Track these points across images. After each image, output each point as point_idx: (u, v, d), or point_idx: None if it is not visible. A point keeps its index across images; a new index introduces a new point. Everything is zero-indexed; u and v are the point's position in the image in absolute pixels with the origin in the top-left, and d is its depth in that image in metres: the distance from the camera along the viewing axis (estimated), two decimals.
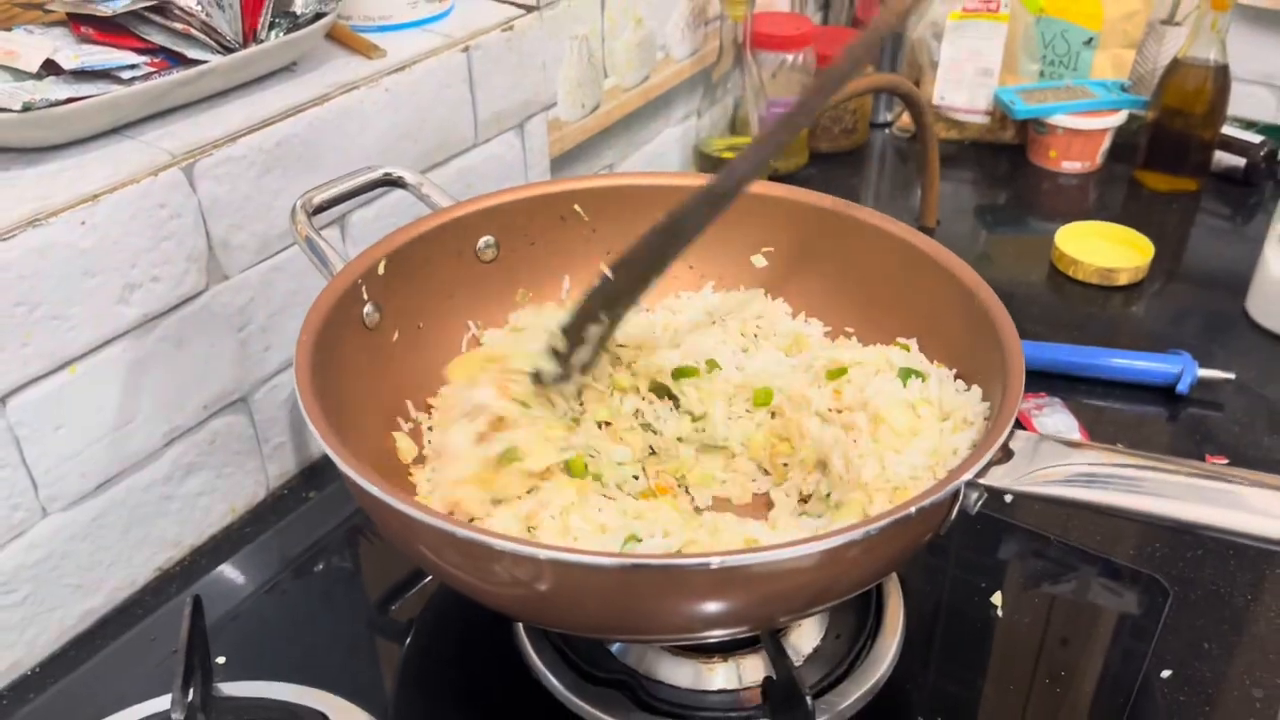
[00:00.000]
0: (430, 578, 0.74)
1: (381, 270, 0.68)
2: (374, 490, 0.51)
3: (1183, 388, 0.89)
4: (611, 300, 0.64)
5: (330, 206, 0.70)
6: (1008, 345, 0.59)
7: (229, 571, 0.76)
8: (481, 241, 0.74)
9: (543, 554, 0.47)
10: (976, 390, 0.63)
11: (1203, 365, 0.90)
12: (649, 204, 0.77)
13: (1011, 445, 0.53)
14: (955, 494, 0.51)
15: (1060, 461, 0.52)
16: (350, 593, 0.75)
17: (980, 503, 0.52)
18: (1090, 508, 0.52)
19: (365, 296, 0.67)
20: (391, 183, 0.74)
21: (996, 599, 0.69)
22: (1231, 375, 0.89)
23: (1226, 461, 0.83)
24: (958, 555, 0.74)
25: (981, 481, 0.51)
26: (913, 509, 0.48)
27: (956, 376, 0.66)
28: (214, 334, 0.73)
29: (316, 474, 0.84)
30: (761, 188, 0.76)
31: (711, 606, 0.49)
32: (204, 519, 0.77)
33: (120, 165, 0.66)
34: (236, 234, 0.72)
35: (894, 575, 0.67)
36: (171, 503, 0.74)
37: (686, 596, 0.49)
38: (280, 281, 0.76)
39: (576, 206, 0.76)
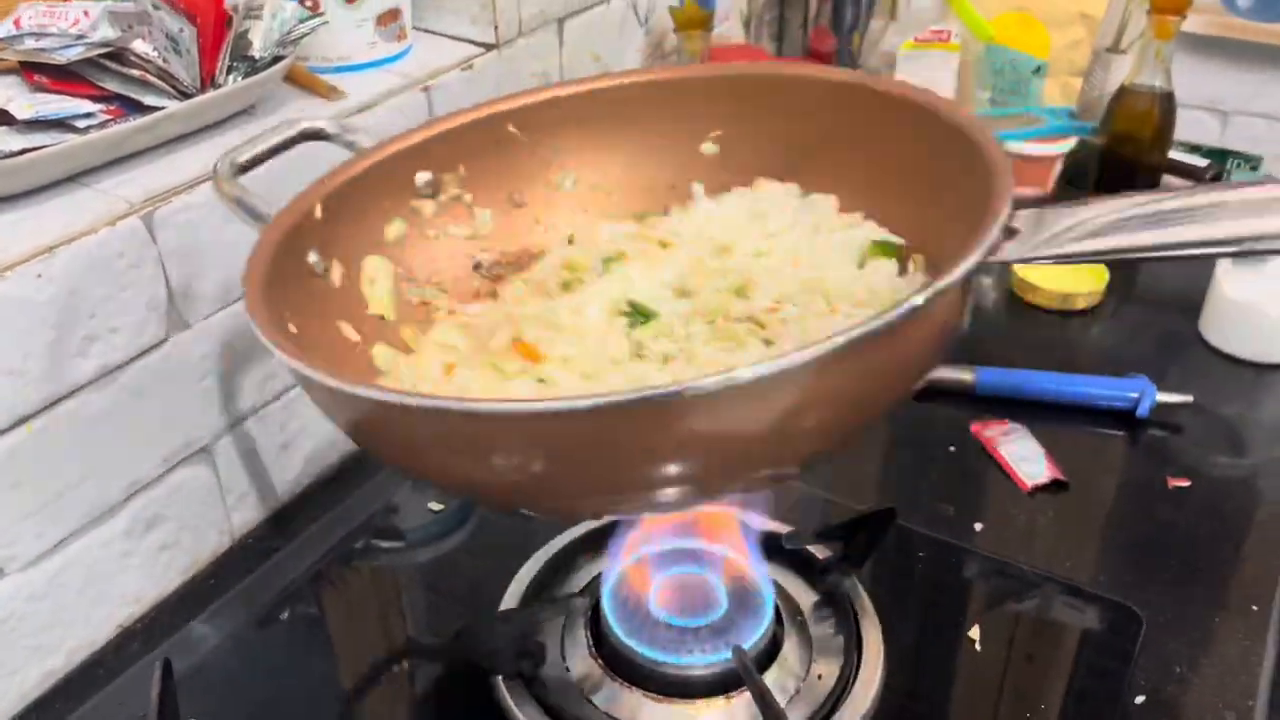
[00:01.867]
0: (400, 640, 0.73)
1: (319, 214, 0.63)
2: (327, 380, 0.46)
3: (1143, 411, 0.90)
4: None
5: (253, 166, 0.67)
6: (989, 152, 0.54)
7: (193, 625, 0.74)
8: (420, 179, 0.70)
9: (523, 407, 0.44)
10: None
11: (1160, 388, 0.91)
12: (587, 112, 0.72)
13: (1013, 224, 0.49)
14: (969, 276, 0.46)
15: (1071, 222, 0.49)
16: (318, 643, 0.73)
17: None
18: (1115, 255, 0.48)
19: (308, 243, 0.62)
20: (313, 136, 0.70)
21: (974, 633, 0.69)
22: (1189, 398, 0.91)
23: (1189, 484, 0.84)
24: (932, 589, 0.75)
25: (995, 259, 0.47)
26: (923, 296, 0.43)
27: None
28: (175, 384, 0.71)
29: (283, 521, 0.82)
30: (701, 70, 0.74)
31: (727, 441, 0.45)
32: (166, 573, 0.75)
33: (77, 215, 0.64)
34: (197, 282, 0.71)
35: (873, 614, 0.67)
36: (132, 558, 0.72)
37: (699, 428, 0.44)
38: (242, 329, 0.75)
39: (511, 127, 0.72)
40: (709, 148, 0.73)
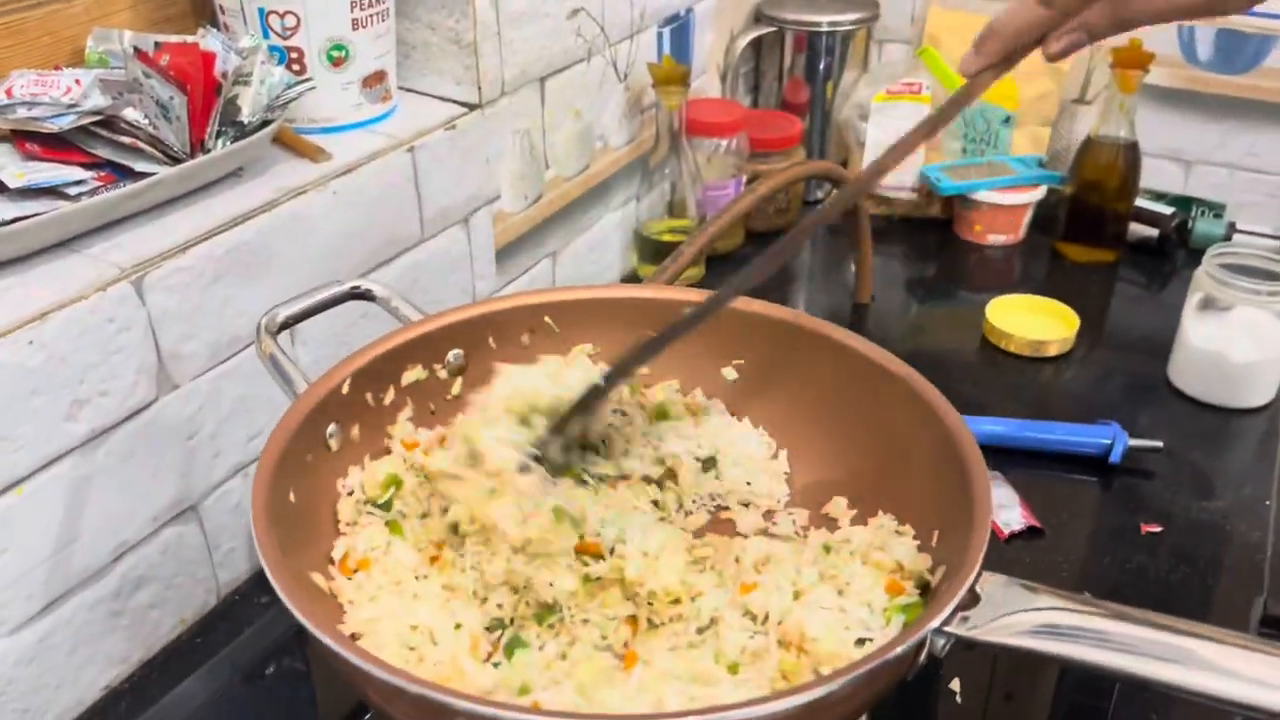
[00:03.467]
0: None
1: (346, 389, 0.67)
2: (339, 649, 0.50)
3: (1115, 457, 0.92)
4: (589, 403, 0.67)
5: (296, 322, 0.70)
6: (976, 484, 0.58)
7: (180, 685, 0.74)
8: (451, 355, 0.74)
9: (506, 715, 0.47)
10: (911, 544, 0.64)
11: (1131, 434, 0.93)
12: (615, 315, 0.77)
13: (978, 589, 0.53)
14: (922, 643, 0.51)
15: (1026, 607, 0.52)
16: (303, 698, 0.74)
17: (947, 648, 0.52)
18: (1055, 660, 0.52)
19: (330, 416, 0.66)
20: (360, 296, 0.73)
21: (955, 685, 0.70)
22: (1159, 444, 0.93)
23: (1161, 530, 0.86)
24: None
25: (948, 629, 0.51)
26: (876, 663, 0.48)
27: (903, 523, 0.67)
28: (163, 444, 0.72)
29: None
30: (744, 304, 0.76)
31: None
32: (154, 633, 0.75)
33: (68, 282, 0.65)
34: (186, 343, 0.72)
35: None
36: (120, 619, 0.73)
37: None
38: (229, 388, 0.76)
39: (547, 318, 0.77)
40: (729, 372, 0.78)
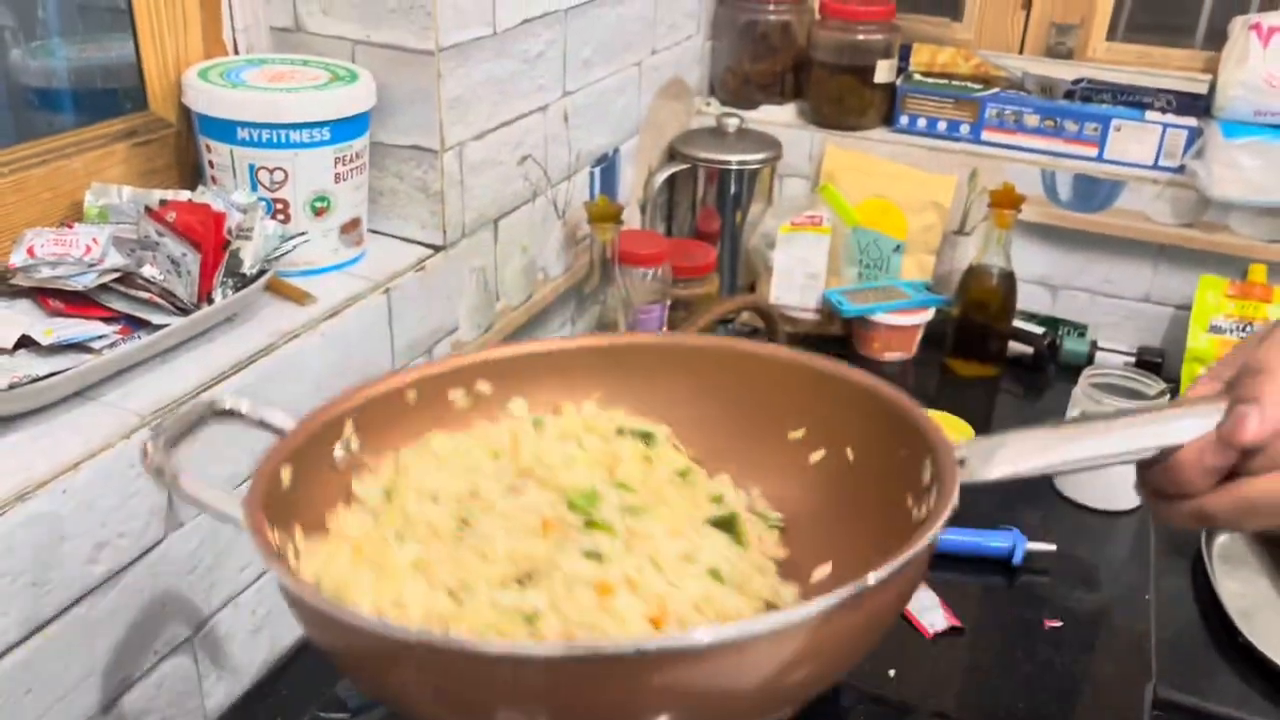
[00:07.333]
0: None
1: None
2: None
3: (1017, 559, 1.03)
4: None
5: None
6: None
7: None
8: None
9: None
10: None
11: (1029, 538, 1.05)
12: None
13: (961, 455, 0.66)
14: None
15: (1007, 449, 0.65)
16: None
17: None
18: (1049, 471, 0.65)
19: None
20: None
21: None
22: (1053, 547, 1.05)
23: (1061, 625, 0.97)
24: None
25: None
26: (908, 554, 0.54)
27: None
28: (168, 580, 0.76)
29: (251, 704, 0.85)
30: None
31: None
32: None
33: (94, 431, 0.69)
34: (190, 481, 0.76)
35: None
36: None
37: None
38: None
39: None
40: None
